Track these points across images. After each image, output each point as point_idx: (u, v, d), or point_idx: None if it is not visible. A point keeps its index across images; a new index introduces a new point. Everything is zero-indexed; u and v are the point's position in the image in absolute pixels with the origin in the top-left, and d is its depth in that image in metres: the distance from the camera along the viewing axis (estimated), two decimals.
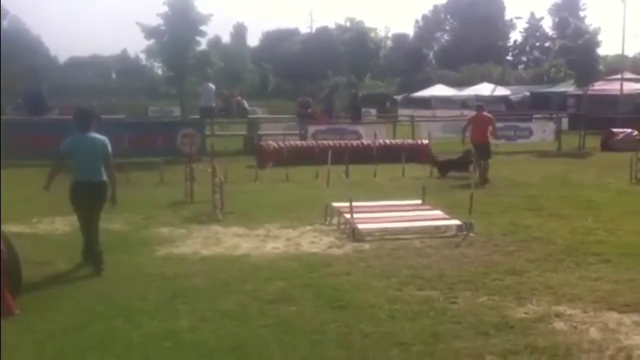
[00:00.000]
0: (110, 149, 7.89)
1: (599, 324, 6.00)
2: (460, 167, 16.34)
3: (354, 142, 20.40)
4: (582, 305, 6.46)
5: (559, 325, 5.98)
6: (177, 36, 22.61)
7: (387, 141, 21.07)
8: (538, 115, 30.87)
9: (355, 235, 9.33)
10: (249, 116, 27.12)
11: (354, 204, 9.80)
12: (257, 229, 10.02)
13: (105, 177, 7.85)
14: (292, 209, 11.56)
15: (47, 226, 10.31)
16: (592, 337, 5.68)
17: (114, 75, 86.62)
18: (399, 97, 58.84)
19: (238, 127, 25.62)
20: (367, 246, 8.92)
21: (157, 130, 19.70)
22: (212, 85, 25.15)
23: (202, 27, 23.25)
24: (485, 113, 16.20)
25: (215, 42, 68.91)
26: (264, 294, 6.80)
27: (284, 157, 17.00)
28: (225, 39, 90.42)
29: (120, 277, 7.43)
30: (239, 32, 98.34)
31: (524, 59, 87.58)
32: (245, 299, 6.68)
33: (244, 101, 29.59)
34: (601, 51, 32.01)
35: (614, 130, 25.06)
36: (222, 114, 27.50)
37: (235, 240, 9.33)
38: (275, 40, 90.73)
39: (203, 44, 24.76)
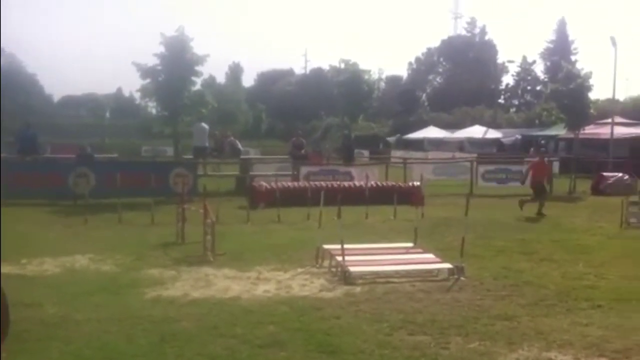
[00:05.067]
0: None
1: None
2: None
3: (346, 184, 20.45)
4: (573, 352, 6.43)
5: None
6: (172, 76, 22.73)
7: (380, 183, 21.13)
8: (530, 159, 31.02)
9: (346, 278, 9.30)
10: (242, 156, 27.15)
11: (345, 246, 9.78)
12: (249, 271, 9.97)
13: None
14: (283, 251, 11.53)
15: (36, 267, 10.20)
16: None
17: (107, 114, 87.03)
18: (391, 139, 59.29)
19: (230, 168, 25.65)
20: (358, 289, 8.88)
21: (149, 170, 19.63)
22: (205, 125, 25.12)
23: (198, 67, 23.43)
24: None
25: (210, 82, 69.46)
26: (254, 338, 6.73)
27: (276, 198, 16.98)
28: (220, 78, 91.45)
29: (108, 320, 7.34)
30: (235, 72, 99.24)
31: (516, 102, 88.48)
32: (235, 343, 6.61)
33: (237, 141, 29.64)
34: (592, 95, 32.35)
35: (605, 174, 25.24)
36: (214, 154, 27.55)
37: (225, 283, 9.28)
38: (270, 81, 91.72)
39: (198, 83, 24.90)
